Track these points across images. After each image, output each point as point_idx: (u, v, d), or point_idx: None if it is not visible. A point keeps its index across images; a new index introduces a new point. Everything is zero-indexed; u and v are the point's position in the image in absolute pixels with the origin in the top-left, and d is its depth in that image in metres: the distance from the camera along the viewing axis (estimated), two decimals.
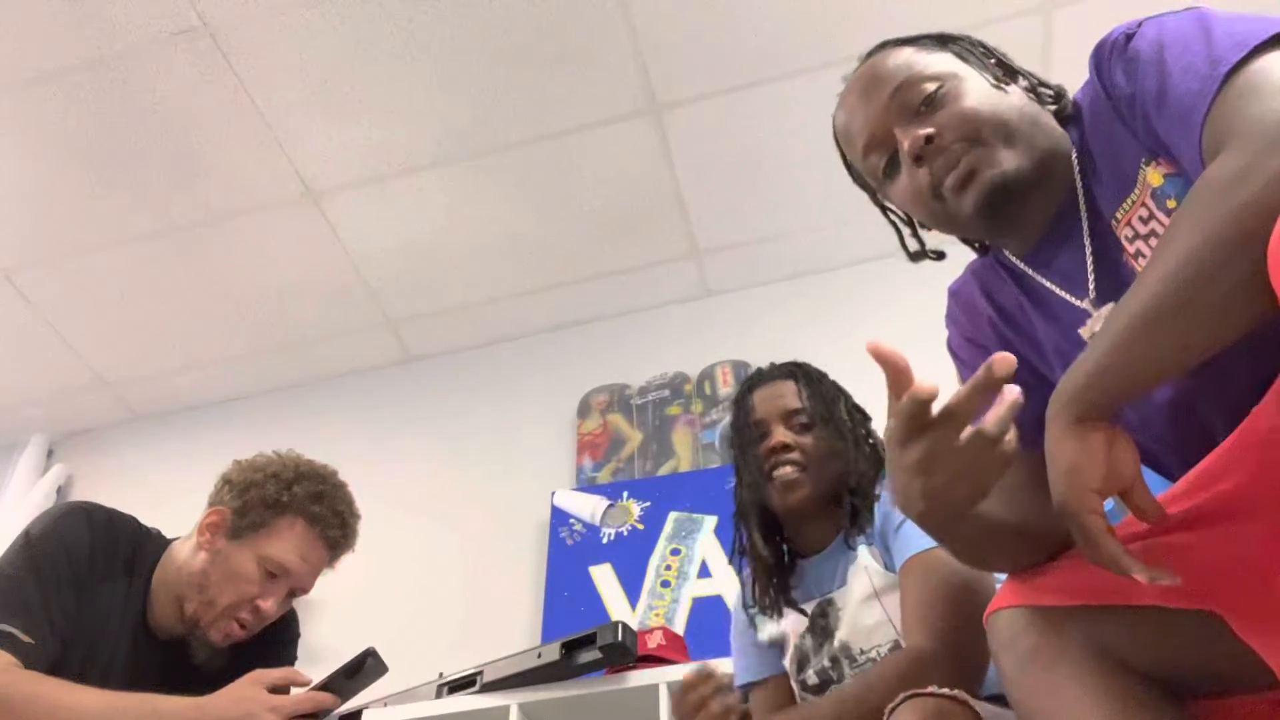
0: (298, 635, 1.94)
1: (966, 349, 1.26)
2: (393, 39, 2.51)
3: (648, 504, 2.83)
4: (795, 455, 1.55)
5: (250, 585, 1.73)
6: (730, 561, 1.78)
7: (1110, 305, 1.05)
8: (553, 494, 2.91)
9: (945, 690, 1.11)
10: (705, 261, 3.16)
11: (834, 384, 1.67)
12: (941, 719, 1.08)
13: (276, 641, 1.86)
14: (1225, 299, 0.82)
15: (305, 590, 1.81)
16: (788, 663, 1.57)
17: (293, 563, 1.75)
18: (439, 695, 1.90)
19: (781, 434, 1.57)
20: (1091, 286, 1.08)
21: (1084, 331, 1.06)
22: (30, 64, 2.51)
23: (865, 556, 1.50)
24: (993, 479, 0.89)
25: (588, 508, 2.86)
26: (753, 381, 1.69)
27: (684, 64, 2.61)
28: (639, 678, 1.81)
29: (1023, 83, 1.17)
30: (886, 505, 1.50)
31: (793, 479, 1.54)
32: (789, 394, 1.62)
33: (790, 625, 1.58)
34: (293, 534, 1.76)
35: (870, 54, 1.23)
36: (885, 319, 2.87)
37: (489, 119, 2.71)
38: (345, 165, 2.81)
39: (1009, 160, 1.09)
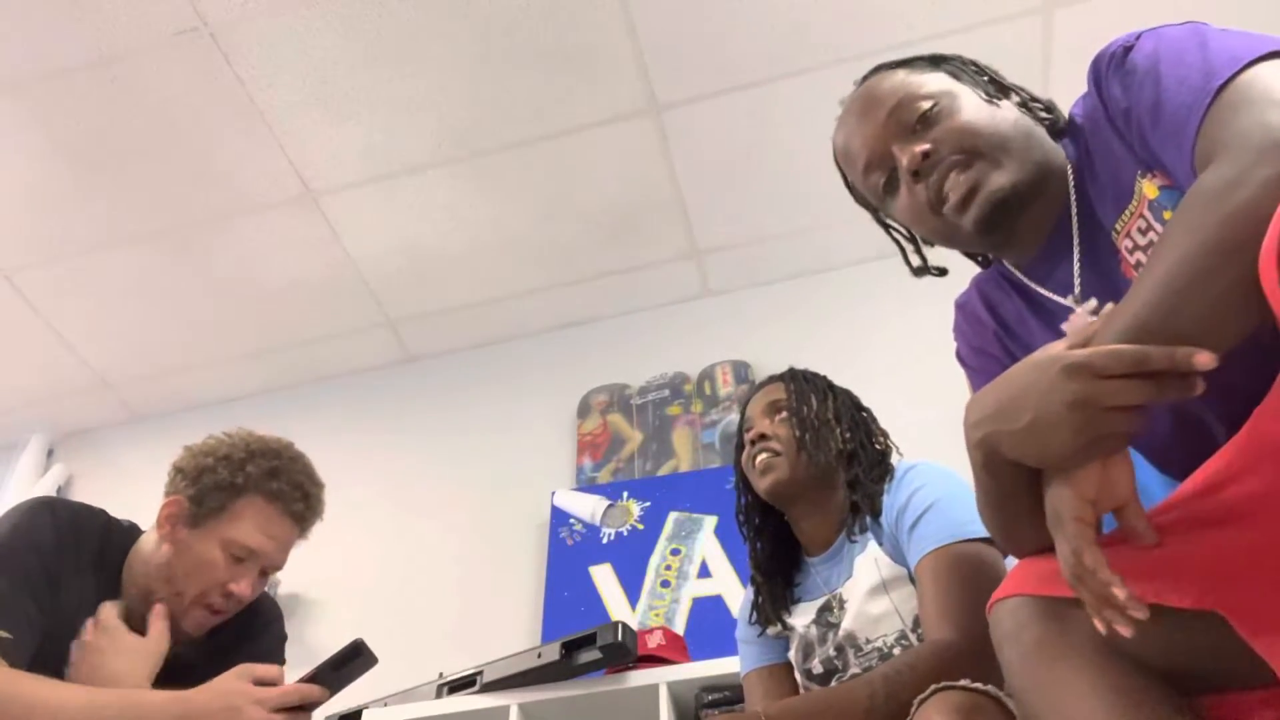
0: (284, 637, 1.89)
1: (975, 357, 1.29)
2: (393, 39, 2.51)
3: (648, 504, 2.83)
4: (771, 443, 1.61)
5: (217, 572, 1.68)
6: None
7: (1094, 301, 1.07)
8: (553, 494, 2.91)
9: (977, 685, 1.11)
10: (705, 261, 3.16)
11: (826, 382, 1.71)
12: (974, 713, 1.08)
13: (254, 628, 1.81)
14: (1218, 306, 0.82)
15: (278, 567, 1.77)
16: (793, 652, 1.59)
17: (258, 542, 1.70)
18: (439, 695, 1.90)
19: (761, 425, 1.64)
20: (1077, 285, 1.09)
21: (1066, 327, 1.07)
22: (30, 64, 2.51)
23: (874, 549, 1.52)
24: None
25: (588, 508, 2.86)
26: (751, 390, 1.75)
27: (684, 64, 2.61)
28: (639, 678, 1.81)
29: (1014, 98, 1.20)
30: (899, 501, 1.50)
31: (767, 463, 1.60)
32: (776, 392, 1.68)
33: (796, 619, 1.60)
34: (253, 514, 1.71)
35: (865, 78, 1.27)
36: (885, 319, 2.88)
37: (489, 119, 2.71)
38: (345, 165, 2.81)
39: (1007, 175, 1.12)
